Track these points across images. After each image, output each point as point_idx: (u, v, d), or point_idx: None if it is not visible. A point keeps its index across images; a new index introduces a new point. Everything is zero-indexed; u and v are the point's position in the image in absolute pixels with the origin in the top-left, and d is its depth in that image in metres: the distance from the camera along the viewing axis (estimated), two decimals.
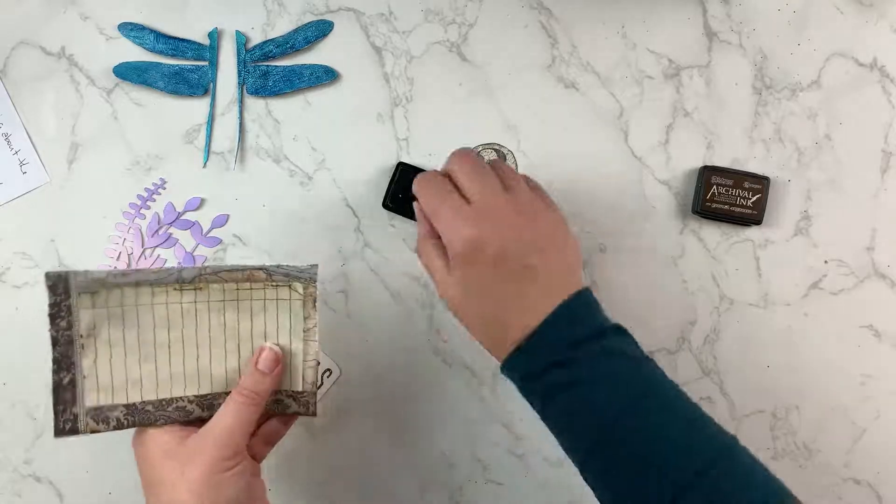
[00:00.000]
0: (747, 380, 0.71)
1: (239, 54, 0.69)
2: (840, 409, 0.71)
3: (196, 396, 0.54)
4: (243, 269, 0.54)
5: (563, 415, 0.51)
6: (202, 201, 0.70)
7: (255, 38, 0.70)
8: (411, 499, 0.71)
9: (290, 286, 0.55)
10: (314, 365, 0.57)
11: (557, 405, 0.51)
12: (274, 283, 0.55)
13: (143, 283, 0.52)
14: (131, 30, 0.69)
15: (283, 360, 0.56)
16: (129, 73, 0.69)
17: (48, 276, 0.50)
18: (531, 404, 0.54)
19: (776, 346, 0.71)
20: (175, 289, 0.53)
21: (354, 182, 0.70)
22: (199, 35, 0.70)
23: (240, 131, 0.70)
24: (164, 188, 0.70)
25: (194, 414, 0.55)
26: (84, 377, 0.52)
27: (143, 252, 0.69)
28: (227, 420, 0.52)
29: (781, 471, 0.71)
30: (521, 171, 0.70)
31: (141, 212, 0.69)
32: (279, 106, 0.70)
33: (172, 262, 0.70)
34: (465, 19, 0.70)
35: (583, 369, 0.50)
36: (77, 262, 0.69)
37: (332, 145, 0.70)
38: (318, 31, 0.70)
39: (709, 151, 0.71)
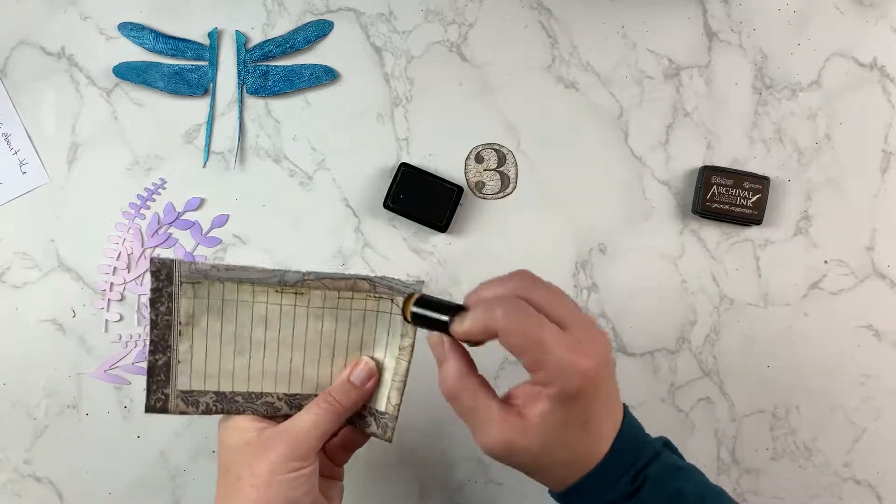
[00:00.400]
0: (747, 380, 0.71)
1: (239, 54, 0.69)
2: (840, 409, 0.71)
3: (286, 395, 0.54)
4: (347, 277, 0.53)
5: None
6: (202, 201, 0.70)
7: (255, 38, 0.70)
8: (411, 499, 0.71)
9: (392, 300, 0.54)
10: (401, 386, 0.54)
11: None
12: (377, 296, 0.54)
13: (245, 281, 0.52)
14: (131, 30, 0.69)
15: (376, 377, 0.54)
16: (129, 73, 0.69)
17: (153, 261, 0.51)
18: None
19: (776, 346, 0.71)
20: (276, 290, 0.53)
21: (354, 182, 0.70)
22: (199, 35, 0.70)
23: (240, 131, 0.70)
24: (164, 188, 0.70)
25: (281, 411, 0.54)
26: (178, 361, 0.53)
27: (143, 252, 0.69)
28: (305, 421, 0.50)
29: (781, 471, 0.71)
30: (521, 171, 0.70)
31: (141, 212, 0.69)
32: (279, 106, 0.70)
33: None
34: (465, 19, 0.70)
35: (648, 497, 0.47)
36: (77, 262, 0.69)
37: (332, 145, 0.70)
38: (318, 31, 0.70)
39: (709, 151, 0.71)
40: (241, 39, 0.69)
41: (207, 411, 0.53)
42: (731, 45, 0.71)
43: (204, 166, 0.70)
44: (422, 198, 0.68)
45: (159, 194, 0.70)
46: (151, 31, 0.69)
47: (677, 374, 0.71)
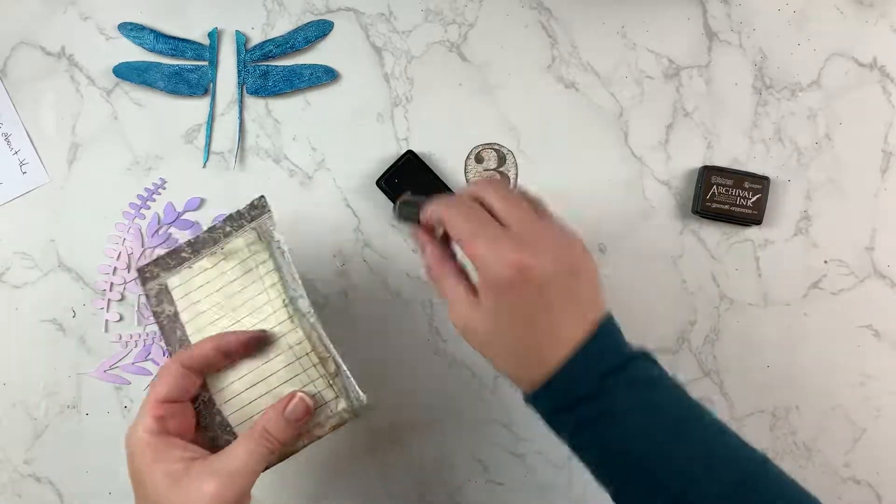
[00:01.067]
0: (747, 380, 0.71)
1: (239, 54, 0.69)
2: (840, 409, 0.71)
3: None
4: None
5: (595, 447, 0.50)
6: (202, 201, 0.70)
7: (255, 38, 0.70)
8: (411, 499, 0.71)
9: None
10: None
11: (589, 437, 0.49)
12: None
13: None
14: (131, 30, 0.69)
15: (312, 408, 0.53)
16: (129, 73, 0.69)
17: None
18: (557, 435, 0.52)
19: (776, 346, 0.71)
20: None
21: (354, 182, 0.70)
22: (199, 35, 0.70)
23: (240, 131, 0.70)
24: (164, 188, 0.70)
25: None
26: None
27: (143, 252, 0.69)
28: (240, 459, 0.48)
29: None
30: (521, 171, 0.70)
31: (141, 212, 0.69)
32: (279, 106, 0.70)
33: None
34: (465, 19, 0.70)
35: (615, 402, 0.48)
36: (77, 262, 0.69)
37: (332, 145, 0.70)
38: (318, 30, 0.70)
39: (709, 151, 0.71)
40: (241, 39, 0.69)
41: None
42: (731, 45, 0.71)
43: (204, 166, 0.70)
44: (415, 190, 0.68)
45: (159, 194, 0.70)
46: (151, 31, 0.69)
47: (677, 374, 0.71)
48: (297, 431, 0.52)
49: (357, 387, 0.54)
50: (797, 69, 0.71)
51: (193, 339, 0.55)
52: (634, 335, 0.71)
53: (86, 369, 0.69)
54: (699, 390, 0.71)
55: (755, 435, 0.71)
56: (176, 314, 0.55)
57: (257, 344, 0.54)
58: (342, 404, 0.54)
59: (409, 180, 0.68)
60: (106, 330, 0.69)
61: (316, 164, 0.70)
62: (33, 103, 0.69)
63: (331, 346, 0.54)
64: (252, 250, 0.56)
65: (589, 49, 0.70)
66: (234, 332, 0.54)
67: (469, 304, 0.50)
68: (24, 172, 0.69)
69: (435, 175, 0.68)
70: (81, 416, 0.69)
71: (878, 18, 0.71)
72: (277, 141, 0.70)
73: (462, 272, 0.52)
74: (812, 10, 0.71)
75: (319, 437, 0.54)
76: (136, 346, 0.69)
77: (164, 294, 0.55)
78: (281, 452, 0.52)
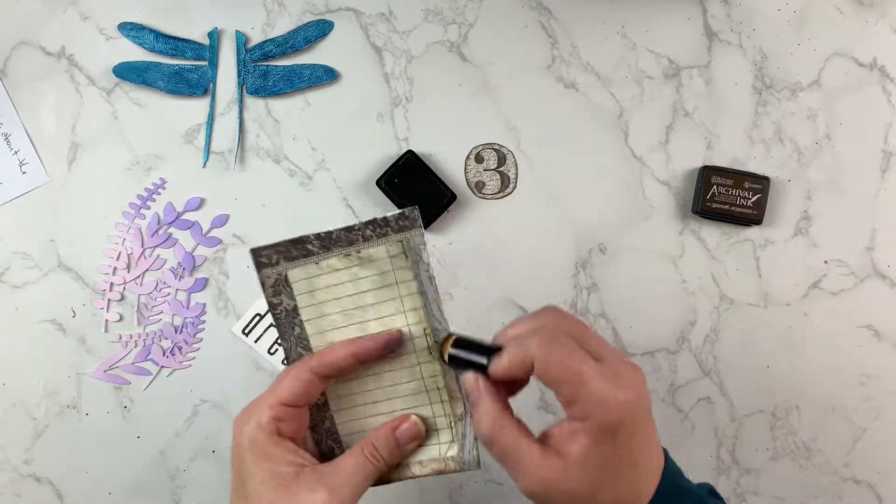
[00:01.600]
0: (747, 380, 0.71)
1: (239, 54, 0.69)
2: (840, 409, 0.71)
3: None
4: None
5: None
6: (202, 201, 0.70)
7: (255, 38, 0.70)
8: (411, 499, 0.71)
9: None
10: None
11: None
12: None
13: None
14: (131, 30, 0.69)
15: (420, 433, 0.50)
16: (128, 73, 0.69)
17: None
18: None
19: (776, 346, 0.71)
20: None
21: (354, 182, 0.70)
22: (198, 35, 0.70)
23: (240, 131, 0.70)
24: (164, 188, 0.70)
25: None
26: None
27: (142, 252, 0.69)
28: (348, 469, 0.47)
29: (781, 471, 0.71)
30: (521, 171, 0.70)
31: (141, 212, 0.69)
32: (279, 106, 0.70)
33: (172, 262, 0.70)
34: (465, 19, 0.70)
35: None
36: (77, 262, 0.69)
37: (332, 145, 0.70)
38: (318, 30, 0.70)
39: (709, 151, 0.71)
40: (241, 39, 0.69)
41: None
42: (731, 45, 0.71)
43: (204, 166, 0.70)
44: (415, 190, 0.68)
45: (159, 194, 0.70)
46: (151, 31, 0.69)
47: (677, 374, 0.71)
48: (402, 456, 0.50)
49: (476, 446, 0.50)
50: (797, 69, 0.71)
51: (315, 342, 0.51)
52: (635, 335, 0.71)
53: (86, 369, 0.69)
54: (699, 390, 0.71)
55: (755, 435, 0.71)
56: (296, 309, 0.51)
57: (393, 347, 0.50)
58: (453, 451, 0.50)
59: (408, 180, 0.68)
60: (106, 330, 0.69)
61: (316, 164, 0.70)
62: (33, 103, 0.69)
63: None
64: (394, 264, 0.50)
65: (589, 49, 0.70)
66: (371, 336, 0.50)
67: (550, 464, 0.43)
68: (24, 172, 0.69)
69: (435, 175, 0.68)
70: (81, 416, 0.69)
71: (878, 18, 0.71)
72: (277, 141, 0.70)
73: (527, 429, 0.45)
74: (812, 10, 0.71)
75: (413, 477, 0.51)
76: (136, 346, 0.69)
77: (283, 286, 0.51)
78: (380, 474, 0.50)
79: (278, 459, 0.46)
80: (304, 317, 0.51)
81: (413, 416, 0.50)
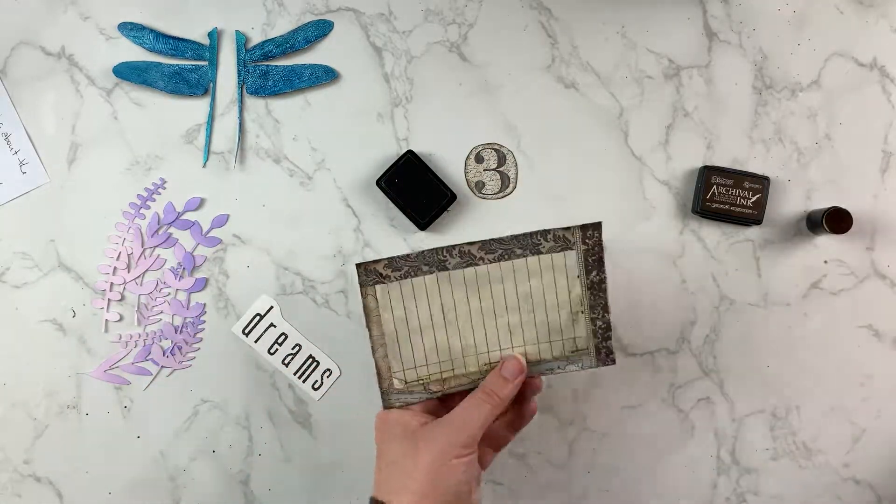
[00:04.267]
0: (747, 380, 0.71)
1: (239, 54, 0.69)
2: (840, 409, 0.71)
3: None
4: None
5: None
6: (202, 201, 0.70)
7: (255, 38, 0.70)
8: None
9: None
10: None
11: None
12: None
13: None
14: (131, 30, 0.69)
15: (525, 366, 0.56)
16: (129, 73, 0.69)
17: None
18: None
19: (776, 346, 0.71)
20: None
21: (354, 182, 0.70)
22: (199, 35, 0.70)
23: (240, 131, 0.70)
24: (164, 188, 0.70)
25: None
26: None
27: (142, 252, 0.69)
28: (465, 412, 0.54)
29: (781, 471, 0.71)
30: (521, 171, 0.70)
31: (141, 212, 0.69)
32: (279, 106, 0.70)
33: (172, 262, 0.70)
34: (465, 19, 0.70)
35: None
36: (77, 262, 0.69)
37: (332, 145, 0.70)
38: (318, 30, 0.70)
39: (709, 151, 0.71)
40: (241, 39, 0.69)
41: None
42: (731, 45, 0.71)
43: (204, 166, 0.70)
44: (415, 190, 0.68)
45: (159, 194, 0.70)
46: (151, 31, 0.69)
47: (677, 374, 0.71)
48: (514, 388, 0.55)
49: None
50: (797, 69, 0.71)
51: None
52: (635, 335, 0.71)
53: (86, 369, 0.69)
54: (699, 390, 0.71)
55: (755, 435, 0.71)
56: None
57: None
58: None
59: (408, 180, 0.68)
60: (106, 330, 0.69)
61: (316, 164, 0.70)
62: (33, 103, 0.69)
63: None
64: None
65: (589, 49, 0.70)
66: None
67: None
68: (24, 172, 0.69)
69: (435, 175, 0.68)
70: (81, 416, 0.69)
71: (878, 18, 0.71)
72: (277, 141, 0.70)
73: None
74: (812, 10, 0.71)
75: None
76: (136, 346, 0.69)
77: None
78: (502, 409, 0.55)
79: (407, 422, 0.54)
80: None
81: (515, 354, 0.56)
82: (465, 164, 0.70)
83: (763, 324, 0.71)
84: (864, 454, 0.71)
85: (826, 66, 0.71)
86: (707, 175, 0.69)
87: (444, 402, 0.58)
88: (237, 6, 0.70)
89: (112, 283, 0.69)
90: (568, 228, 0.54)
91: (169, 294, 0.69)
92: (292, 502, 0.70)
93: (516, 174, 0.70)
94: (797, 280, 0.71)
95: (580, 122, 0.70)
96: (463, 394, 0.55)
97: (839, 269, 0.71)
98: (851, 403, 0.71)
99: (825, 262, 0.71)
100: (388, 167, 0.68)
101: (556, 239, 0.54)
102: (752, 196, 0.69)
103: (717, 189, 0.69)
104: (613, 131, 0.70)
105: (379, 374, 0.56)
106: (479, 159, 0.70)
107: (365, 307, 0.54)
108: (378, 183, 0.68)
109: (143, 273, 0.69)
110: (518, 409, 0.58)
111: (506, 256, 0.54)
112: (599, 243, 0.55)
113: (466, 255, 0.54)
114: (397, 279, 0.54)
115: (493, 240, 0.54)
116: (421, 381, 0.56)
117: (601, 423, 0.70)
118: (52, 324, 0.69)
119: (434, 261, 0.54)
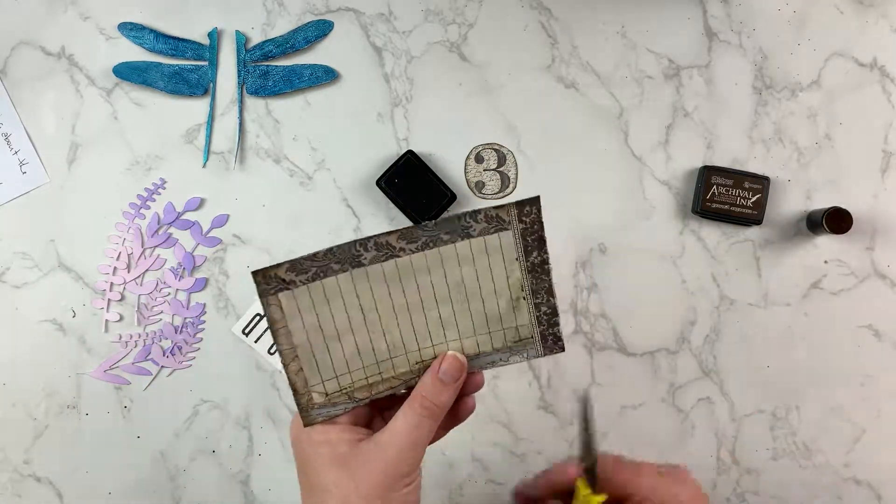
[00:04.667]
0: (747, 380, 0.71)
1: (239, 54, 0.69)
2: (840, 409, 0.71)
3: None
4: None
5: None
6: (202, 201, 0.70)
7: (255, 38, 0.70)
8: None
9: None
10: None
11: None
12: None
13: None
14: (131, 30, 0.69)
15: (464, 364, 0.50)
16: (128, 73, 0.69)
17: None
18: None
19: (776, 346, 0.71)
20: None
21: (354, 182, 0.70)
22: (198, 35, 0.70)
23: (240, 131, 0.70)
24: (164, 188, 0.70)
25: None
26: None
27: (142, 252, 0.69)
28: (405, 430, 0.47)
29: (781, 471, 0.71)
30: (521, 171, 0.70)
31: (141, 212, 0.69)
32: (279, 106, 0.70)
33: (172, 262, 0.70)
34: (465, 19, 0.70)
35: None
36: (77, 261, 0.69)
37: (332, 145, 0.70)
38: (318, 30, 0.70)
39: (709, 151, 0.71)
40: (241, 39, 0.69)
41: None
42: (731, 45, 0.71)
43: (204, 166, 0.70)
44: (415, 190, 0.68)
45: (159, 194, 0.70)
46: (151, 31, 0.69)
47: (677, 374, 0.71)
48: (454, 392, 0.49)
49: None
50: (797, 69, 0.71)
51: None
52: (635, 335, 0.71)
53: (86, 369, 0.69)
54: (699, 390, 0.71)
55: (755, 435, 0.71)
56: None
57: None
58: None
59: (408, 180, 0.68)
60: (106, 330, 0.69)
61: (316, 164, 0.70)
62: (33, 103, 0.69)
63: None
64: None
65: (589, 49, 0.70)
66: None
67: None
68: (24, 172, 0.69)
69: (435, 175, 0.68)
70: (81, 416, 0.69)
71: (878, 18, 0.71)
72: (277, 141, 0.70)
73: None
74: (812, 10, 0.71)
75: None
76: (136, 346, 0.69)
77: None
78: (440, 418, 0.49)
79: (333, 441, 0.47)
80: None
81: (450, 352, 0.49)
82: (465, 164, 0.70)
83: (763, 324, 0.71)
84: (864, 454, 0.71)
85: (826, 66, 0.71)
86: (707, 175, 0.69)
87: (375, 404, 0.51)
88: (237, 6, 0.70)
89: (112, 283, 0.69)
90: (501, 207, 0.48)
91: (169, 294, 0.69)
92: (292, 502, 0.70)
93: (516, 174, 0.70)
94: (797, 280, 0.71)
95: (580, 122, 0.70)
96: (397, 398, 0.49)
97: (839, 269, 0.71)
98: (851, 403, 0.71)
99: (825, 262, 0.71)
100: (388, 167, 0.68)
101: (489, 219, 0.48)
102: (752, 196, 0.69)
103: (717, 189, 0.69)
104: (613, 131, 0.70)
105: (294, 390, 0.49)
106: (479, 159, 0.70)
107: (269, 318, 0.47)
108: (378, 183, 0.68)
109: (143, 273, 0.69)
110: (453, 408, 0.50)
111: (430, 244, 0.48)
112: (539, 220, 0.49)
113: (384, 246, 0.48)
114: (304, 283, 0.47)
115: (413, 227, 0.48)
116: (344, 391, 0.49)
117: (601, 423, 0.70)
118: (52, 324, 0.69)
119: (347, 257, 0.48)
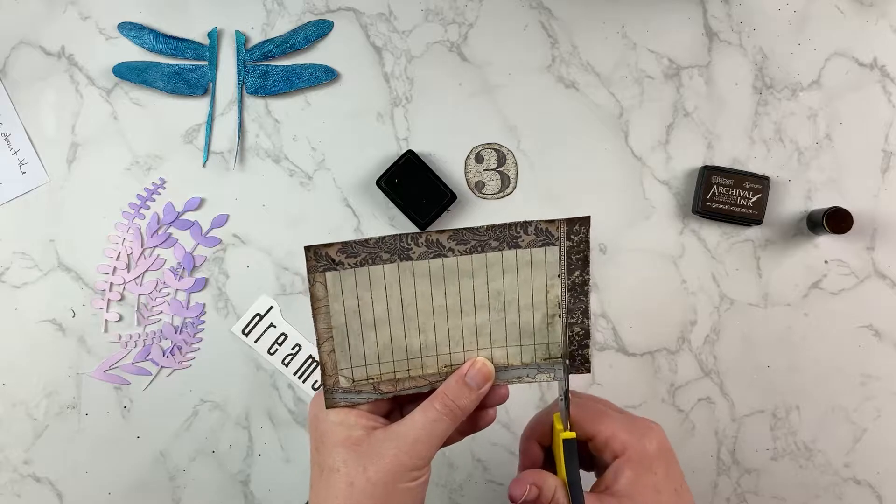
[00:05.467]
0: (747, 380, 0.71)
1: (239, 54, 0.69)
2: (840, 409, 0.71)
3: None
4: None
5: None
6: (202, 201, 0.70)
7: (255, 38, 0.70)
8: None
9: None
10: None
11: None
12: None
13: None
14: (131, 29, 0.69)
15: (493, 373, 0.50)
16: (128, 72, 0.69)
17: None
18: None
19: (776, 346, 0.71)
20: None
21: (354, 182, 0.70)
22: (198, 35, 0.70)
23: (239, 131, 0.70)
24: (164, 188, 0.70)
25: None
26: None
27: (142, 252, 0.69)
28: (421, 426, 0.47)
29: (781, 471, 0.71)
30: (521, 171, 0.70)
31: (140, 212, 0.69)
32: (279, 106, 0.70)
33: (172, 262, 0.69)
34: (465, 19, 0.70)
35: None
36: (77, 262, 0.69)
37: (332, 145, 0.70)
38: (318, 30, 0.70)
39: (709, 151, 0.71)
40: (241, 39, 0.69)
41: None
42: (731, 45, 0.71)
43: (204, 166, 0.70)
44: (415, 190, 0.68)
45: (159, 194, 0.70)
46: (151, 31, 0.69)
47: (677, 374, 0.71)
48: (476, 399, 0.48)
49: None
50: (797, 69, 0.71)
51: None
52: (635, 335, 0.71)
53: (86, 369, 0.69)
54: (699, 390, 0.71)
55: (755, 435, 0.71)
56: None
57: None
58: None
59: (408, 180, 0.68)
60: (106, 330, 0.69)
61: (316, 164, 0.70)
62: (33, 103, 0.69)
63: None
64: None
65: (589, 49, 0.70)
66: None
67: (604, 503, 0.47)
68: (24, 172, 0.69)
69: (435, 175, 0.68)
70: (81, 416, 0.69)
71: (878, 18, 0.71)
72: (277, 141, 0.70)
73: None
74: (812, 10, 0.71)
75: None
76: (135, 346, 0.69)
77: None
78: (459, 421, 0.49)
79: (352, 424, 0.47)
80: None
81: (480, 359, 0.49)
82: (465, 164, 0.70)
83: (763, 324, 0.71)
84: (864, 454, 0.71)
85: (826, 66, 0.71)
86: (707, 175, 0.69)
87: (396, 400, 0.51)
88: (237, 6, 0.70)
89: (112, 283, 0.69)
90: (552, 221, 0.48)
91: (169, 294, 0.69)
92: (292, 502, 0.70)
93: (516, 174, 0.70)
94: (797, 280, 0.71)
95: (580, 122, 0.70)
96: (419, 397, 0.49)
97: (839, 269, 0.71)
98: (851, 403, 0.71)
99: (825, 262, 0.71)
100: (388, 167, 0.68)
101: (538, 232, 0.48)
102: (753, 196, 0.69)
103: (718, 189, 0.69)
104: (613, 131, 0.70)
105: (323, 369, 0.49)
106: (479, 159, 0.70)
107: (312, 295, 0.47)
108: (378, 183, 0.68)
109: (143, 273, 0.69)
110: (473, 416, 0.50)
111: (479, 249, 0.48)
112: (586, 240, 0.49)
113: (434, 244, 0.48)
114: (352, 266, 0.47)
115: (466, 229, 0.48)
116: (371, 381, 0.49)
117: None
118: (52, 324, 0.69)
119: (396, 248, 0.48)
